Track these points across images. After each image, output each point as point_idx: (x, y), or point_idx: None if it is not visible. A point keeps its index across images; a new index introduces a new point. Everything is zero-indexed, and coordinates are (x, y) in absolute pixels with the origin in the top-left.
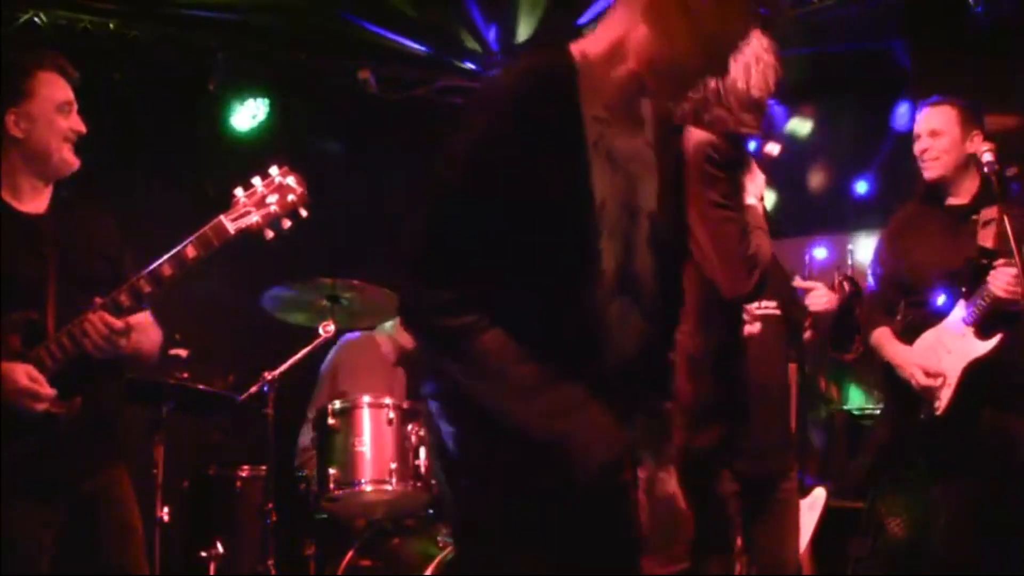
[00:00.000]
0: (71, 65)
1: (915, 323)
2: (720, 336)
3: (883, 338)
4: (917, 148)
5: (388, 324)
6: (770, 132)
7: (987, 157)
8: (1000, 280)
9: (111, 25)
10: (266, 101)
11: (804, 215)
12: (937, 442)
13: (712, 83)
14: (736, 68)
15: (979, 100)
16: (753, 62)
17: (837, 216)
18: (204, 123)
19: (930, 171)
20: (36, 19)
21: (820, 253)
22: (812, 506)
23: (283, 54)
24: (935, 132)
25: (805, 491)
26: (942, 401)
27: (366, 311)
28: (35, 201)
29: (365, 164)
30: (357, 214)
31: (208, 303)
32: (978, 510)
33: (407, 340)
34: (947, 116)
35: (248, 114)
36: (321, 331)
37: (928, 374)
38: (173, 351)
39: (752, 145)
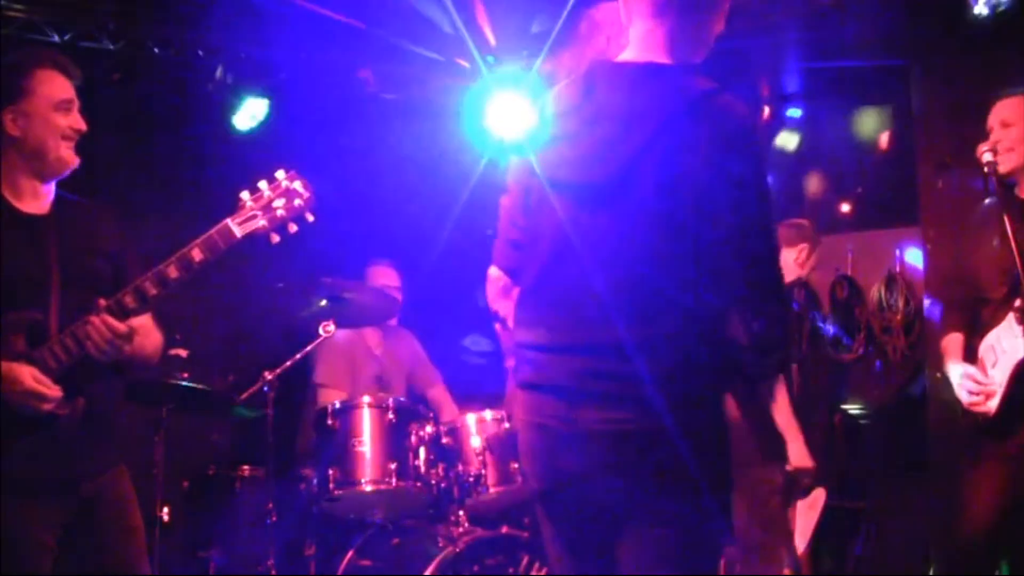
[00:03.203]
0: (72, 63)
1: (983, 322)
2: None
3: (948, 347)
4: (988, 142)
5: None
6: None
7: (987, 157)
8: None
9: (111, 26)
10: (266, 101)
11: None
12: (983, 438)
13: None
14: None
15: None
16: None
17: (838, 216)
18: (204, 123)
19: (1005, 163)
20: (35, 19)
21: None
22: (812, 506)
23: (283, 54)
24: (1006, 123)
25: (805, 491)
26: (993, 404)
27: (366, 311)
28: (36, 201)
29: (365, 164)
30: (357, 214)
31: (208, 303)
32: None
33: None
34: (1016, 108)
35: (248, 114)
36: (321, 331)
37: (973, 392)
38: (173, 351)
39: None
